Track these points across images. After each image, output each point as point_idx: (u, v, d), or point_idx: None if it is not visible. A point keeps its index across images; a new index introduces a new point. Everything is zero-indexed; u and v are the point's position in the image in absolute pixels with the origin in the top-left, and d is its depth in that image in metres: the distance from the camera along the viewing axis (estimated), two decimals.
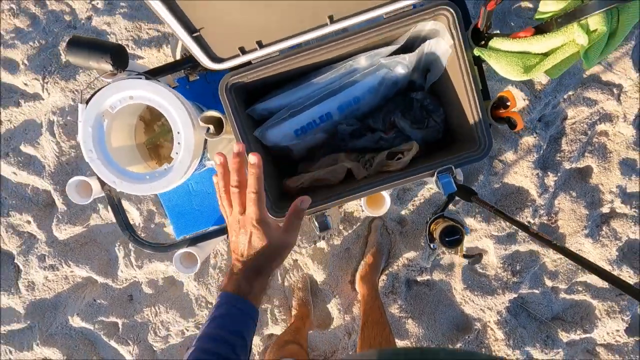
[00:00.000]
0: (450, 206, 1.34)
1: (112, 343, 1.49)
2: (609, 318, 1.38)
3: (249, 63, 0.75)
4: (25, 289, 1.49)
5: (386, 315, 1.20)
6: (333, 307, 1.43)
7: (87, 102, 0.83)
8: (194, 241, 0.99)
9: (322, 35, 0.72)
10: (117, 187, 0.83)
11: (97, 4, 1.35)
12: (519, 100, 1.28)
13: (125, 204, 1.43)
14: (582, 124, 1.31)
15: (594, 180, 1.34)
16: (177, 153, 0.81)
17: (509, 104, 0.74)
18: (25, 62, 1.37)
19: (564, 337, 1.40)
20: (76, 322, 1.49)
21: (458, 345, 1.42)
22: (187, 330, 1.48)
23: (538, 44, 0.65)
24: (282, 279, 1.45)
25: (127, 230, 0.97)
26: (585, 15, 0.56)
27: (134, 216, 1.42)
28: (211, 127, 0.80)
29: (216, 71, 0.78)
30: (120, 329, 1.50)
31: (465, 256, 0.88)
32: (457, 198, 0.86)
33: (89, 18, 1.36)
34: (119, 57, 0.81)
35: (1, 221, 1.46)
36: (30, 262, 1.47)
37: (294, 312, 1.43)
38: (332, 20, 0.70)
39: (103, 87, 0.79)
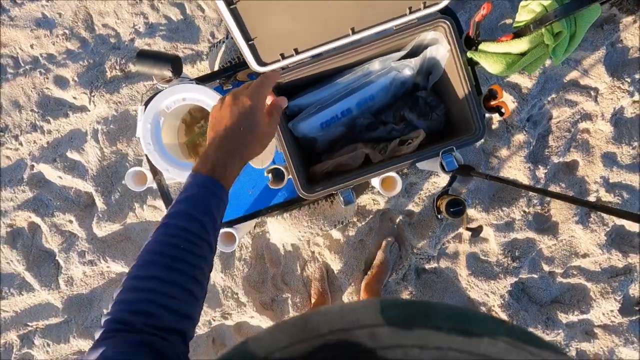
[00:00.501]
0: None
1: None
2: (603, 299, 1.50)
3: (285, 67, 0.93)
4: (64, 284, 1.62)
5: None
6: (348, 295, 1.56)
7: (145, 104, 1.00)
8: (231, 223, 1.15)
9: (346, 43, 0.91)
10: (169, 174, 0.99)
11: (139, 27, 1.56)
12: (509, 103, 1.47)
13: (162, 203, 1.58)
14: (565, 123, 1.48)
15: (580, 172, 1.50)
16: None
17: (497, 95, 0.91)
18: (75, 78, 1.56)
19: (563, 318, 1.52)
20: None
21: None
22: (214, 320, 1.60)
23: (517, 46, 0.83)
24: (301, 270, 1.58)
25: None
26: (550, 21, 0.74)
27: None
28: None
29: (246, 80, 0.96)
30: None
31: (468, 229, 1.04)
32: (458, 177, 1.02)
33: (132, 40, 1.56)
34: (177, 66, 0.99)
35: (45, 221, 1.61)
36: (71, 258, 1.60)
37: (312, 300, 1.55)
38: (353, 31, 0.89)
39: (159, 91, 0.97)
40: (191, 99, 1.01)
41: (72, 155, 1.59)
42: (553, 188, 1.50)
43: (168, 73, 0.98)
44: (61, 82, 1.58)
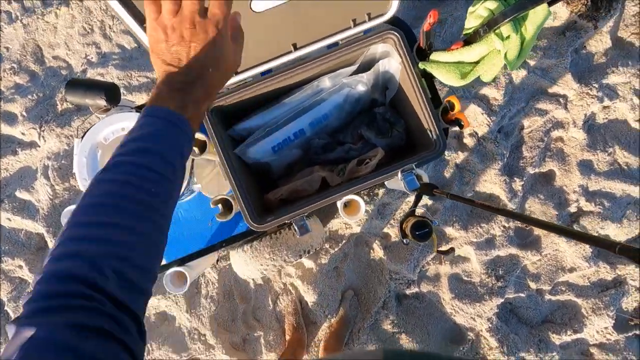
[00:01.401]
0: (430, 216, 1.42)
1: None
2: (595, 315, 1.41)
3: (226, 89, 0.86)
4: None
5: None
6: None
7: (82, 137, 0.92)
8: (184, 261, 1.04)
9: (288, 60, 0.85)
10: None
11: (92, 57, 1.49)
12: (478, 115, 1.42)
13: None
14: (538, 132, 1.44)
15: (558, 182, 1.44)
16: None
17: (453, 107, 0.85)
18: (24, 113, 1.48)
19: (556, 339, 1.42)
20: None
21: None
22: None
23: (468, 54, 0.78)
24: (273, 304, 1.47)
25: None
26: (497, 24, 0.68)
27: None
28: (195, 149, 0.89)
29: None
30: None
31: (439, 251, 0.95)
32: (424, 197, 0.95)
33: (84, 71, 1.49)
34: (112, 94, 0.91)
35: None
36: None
37: (287, 337, 1.43)
38: (295, 47, 0.83)
39: (97, 122, 0.89)
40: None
41: (22, 194, 1.48)
42: (532, 200, 1.44)
43: (102, 102, 0.90)
44: (9, 118, 1.50)
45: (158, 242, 0.38)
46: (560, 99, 1.42)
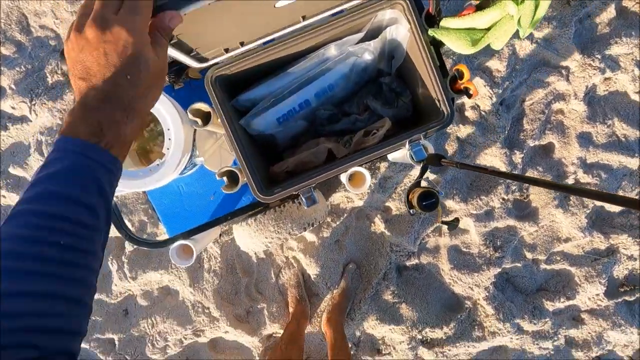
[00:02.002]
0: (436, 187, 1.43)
1: None
2: (588, 283, 1.46)
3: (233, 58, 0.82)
4: None
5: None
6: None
7: None
8: (189, 234, 1.04)
9: (295, 29, 0.81)
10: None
11: None
12: (481, 87, 1.40)
13: None
14: (539, 104, 1.43)
15: (557, 154, 1.45)
16: (168, 149, 0.87)
17: (463, 76, 0.84)
18: (12, 86, 1.42)
19: (550, 306, 1.47)
20: None
21: (451, 325, 1.46)
22: (186, 339, 1.48)
23: (480, 19, 0.76)
24: (276, 277, 1.49)
25: (123, 229, 1.01)
26: None
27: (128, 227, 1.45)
28: (199, 120, 0.87)
29: (200, 77, 0.85)
30: (117, 345, 1.49)
31: (444, 222, 0.96)
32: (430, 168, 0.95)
33: None
34: None
35: None
36: None
37: (290, 309, 1.46)
38: (304, 18, 0.80)
39: None
40: None
41: (15, 171, 1.44)
42: (530, 173, 1.45)
43: None
44: None
45: (84, 297, 0.33)
46: (563, 71, 1.41)
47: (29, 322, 0.29)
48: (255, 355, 1.47)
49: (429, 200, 0.90)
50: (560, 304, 1.47)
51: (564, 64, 1.42)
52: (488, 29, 0.78)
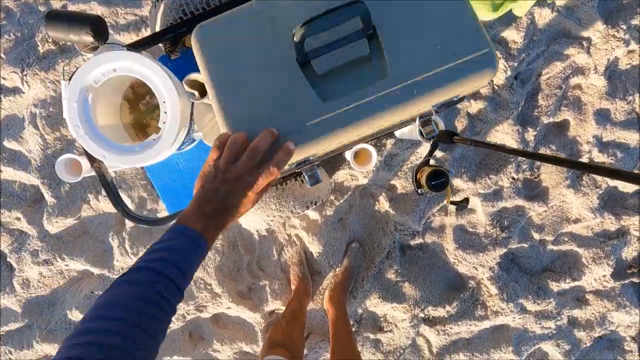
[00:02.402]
0: (445, 166, 1.38)
1: None
2: (595, 264, 1.43)
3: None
4: (20, 287, 1.48)
5: (354, 336, 1.25)
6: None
7: (69, 79, 0.83)
8: None
9: None
10: (107, 161, 0.83)
11: None
12: None
13: None
14: (556, 79, 1.36)
15: (572, 132, 1.39)
16: (164, 122, 0.82)
17: None
18: (2, 55, 1.35)
19: (555, 287, 1.46)
20: (75, 315, 1.48)
21: (454, 304, 1.46)
22: (188, 314, 1.49)
23: None
24: (278, 255, 1.47)
25: (120, 206, 0.98)
26: None
27: (126, 204, 1.42)
28: (196, 92, 0.81)
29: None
30: None
31: (452, 202, 0.92)
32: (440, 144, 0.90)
33: (64, 7, 1.35)
34: (99, 28, 0.80)
35: None
36: (23, 259, 1.46)
37: (292, 287, 1.45)
38: None
39: (85, 63, 0.80)
40: (123, 69, 0.83)
41: (10, 144, 1.40)
42: (543, 151, 1.40)
43: (88, 38, 0.80)
44: None
45: (156, 337, 0.43)
46: (584, 42, 1.32)
47: (118, 343, 0.39)
48: (257, 330, 1.48)
49: (438, 180, 0.86)
50: (566, 284, 1.45)
51: (585, 34, 1.32)
52: None
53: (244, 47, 0.66)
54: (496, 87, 1.35)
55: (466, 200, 0.91)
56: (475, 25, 0.61)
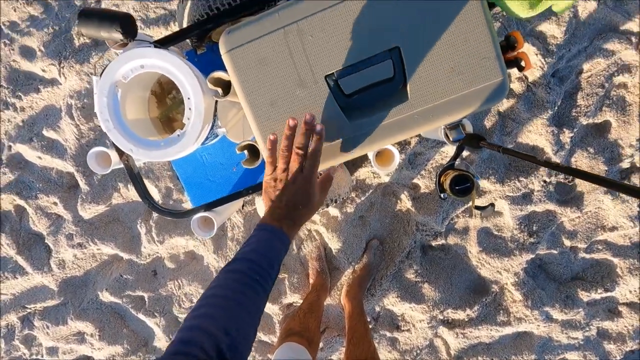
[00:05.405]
0: (471, 169, 1.33)
1: (140, 316, 1.57)
2: (631, 276, 1.35)
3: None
4: (56, 267, 1.58)
5: (370, 332, 1.25)
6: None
7: (100, 74, 0.86)
8: (210, 207, 1.03)
9: None
10: (133, 155, 0.86)
11: None
12: (532, 56, 1.25)
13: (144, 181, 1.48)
14: (598, 77, 1.27)
15: (613, 135, 1.30)
16: (188, 118, 0.83)
17: (516, 44, 0.73)
18: (42, 48, 1.42)
19: (585, 296, 1.39)
20: (105, 297, 1.57)
21: (475, 308, 1.42)
22: None
23: None
24: (298, 249, 1.48)
25: (147, 199, 1.02)
26: None
27: (153, 193, 1.48)
28: (219, 90, 0.82)
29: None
30: (147, 302, 1.57)
31: (477, 207, 0.89)
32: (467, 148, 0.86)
33: (98, 1, 1.39)
34: (128, 25, 0.82)
35: (30, 204, 1.54)
36: (60, 241, 1.55)
37: (311, 281, 1.46)
38: None
39: (115, 59, 0.82)
40: (151, 66, 0.85)
41: (49, 133, 1.48)
42: (579, 154, 1.32)
43: (118, 35, 0.82)
44: (28, 53, 1.45)
45: (258, 313, 0.53)
46: (633, 38, 1.22)
47: (227, 324, 0.48)
48: (275, 321, 1.51)
49: (463, 185, 0.83)
50: (597, 294, 1.38)
51: (634, 29, 1.22)
52: None
53: (274, 60, 0.69)
54: (531, 85, 1.28)
55: (492, 205, 0.88)
56: (494, 54, 0.64)
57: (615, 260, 1.37)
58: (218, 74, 0.80)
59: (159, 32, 1.37)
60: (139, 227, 1.51)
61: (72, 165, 1.48)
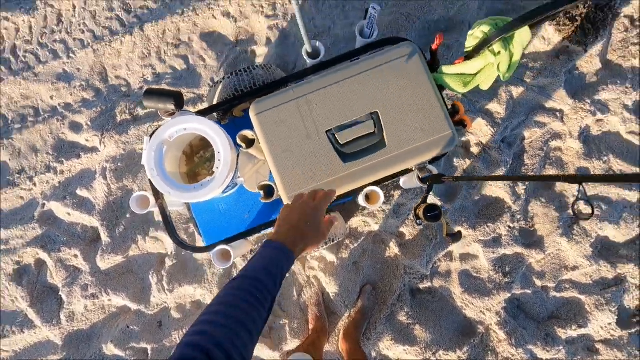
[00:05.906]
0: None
1: None
2: (599, 311, 1.50)
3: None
4: (66, 320, 1.65)
5: None
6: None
7: (150, 135, 1.13)
8: (227, 242, 1.23)
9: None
10: (171, 195, 1.09)
11: (148, 77, 1.76)
12: (483, 126, 1.60)
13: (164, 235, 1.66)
14: (538, 142, 1.60)
15: (558, 187, 1.59)
16: (217, 168, 1.09)
17: (459, 110, 1.04)
18: (89, 123, 1.73)
19: (562, 334, 1.51)
20: (110, 349, 1.61)
21: (465, 349, 1.52)
22: None
23: (468, 66, 0.98)
24: (298, 295, 1.61)
25: (174, 236, 1.21)
26: (490, 43, 0.88)
27: (178, 234, 1.65)
28: (243, 144, 1.10)
29: (242, 115, 1.12)
30: (150, 354, 1.61)
31: (448, 235, 1.11)
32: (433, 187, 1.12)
33: (141, 88, 1.75)
34: (179, 99, 1.13)
35: (52, 257, 1.68)
36: (74, 292, 1.65)
37: (310, 326, 1.56)
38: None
39: (163, 123, 1.10)
40: (192, 128, 1.13)
41: (82, 192, 1.70)
42: (534, 204, 1.58)
43: (171, 106, 1.12)
44: (76, 127, 1.75)
45: (257, 330, 0.57)
46: (557, 113, 1.60)
47: (227, 333, 0.52)
48: None
49: (433, 212, 1.06)
50: (573, 331, 1.51)
51: (557, 107, 1.60)
52: (475, 74, 0.99)
53: (289, 121, 1.00)
54: (486, 148, 1.61)
55: (459, 232, 1.10)
56: (442, 115, 0.97)
57: (583, 297, 1.53)
58: (246, 132, 1.09)
59: (191, 109, 1.70)
60: (150, 278, 1.64)
61: (98, 220, 1.67)
